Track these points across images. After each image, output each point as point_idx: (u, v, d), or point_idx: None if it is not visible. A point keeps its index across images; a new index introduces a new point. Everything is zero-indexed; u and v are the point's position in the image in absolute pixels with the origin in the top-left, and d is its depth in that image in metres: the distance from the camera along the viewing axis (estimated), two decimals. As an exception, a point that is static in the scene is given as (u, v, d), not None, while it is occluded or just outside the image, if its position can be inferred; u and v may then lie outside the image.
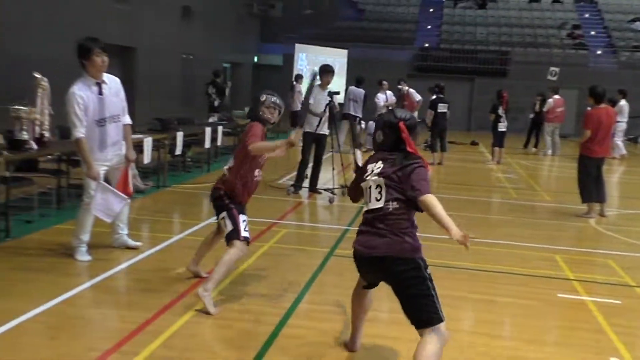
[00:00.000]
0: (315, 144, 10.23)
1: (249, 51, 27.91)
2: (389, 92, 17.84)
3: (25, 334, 4.31)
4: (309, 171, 10.34)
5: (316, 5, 29.94)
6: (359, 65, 23.38)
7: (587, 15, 31.82)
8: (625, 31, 29.71)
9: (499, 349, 4.50)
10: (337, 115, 7.11)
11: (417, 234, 3.75)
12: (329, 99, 9.99)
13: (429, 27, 30.97)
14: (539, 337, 4.77)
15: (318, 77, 9.86)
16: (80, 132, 5.69)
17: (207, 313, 4.78)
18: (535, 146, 19.89)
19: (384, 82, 17.78)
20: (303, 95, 17.56)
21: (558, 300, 5.63)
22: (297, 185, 10.24)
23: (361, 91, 15.96)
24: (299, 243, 7.25)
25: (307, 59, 21.98)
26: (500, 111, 15.71)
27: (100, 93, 5.81)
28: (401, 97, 18.19)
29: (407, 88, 18.15)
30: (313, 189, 10.35)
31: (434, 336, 3.54)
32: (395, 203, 3.69)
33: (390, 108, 17.95)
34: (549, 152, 18.86)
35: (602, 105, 9.39)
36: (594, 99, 9.38)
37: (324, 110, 9.95)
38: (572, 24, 30.42)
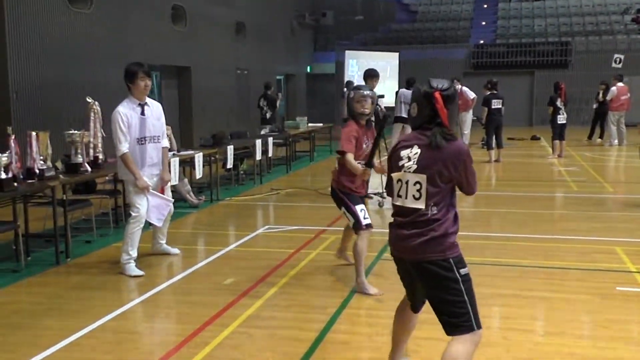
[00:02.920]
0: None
1: (302, 62, 28.10)
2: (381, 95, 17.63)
3: (80, 350, 4.44)
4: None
5: (369, 10, 29.90)
6: (411, 67, 23.18)
7: (652, -2, 30.58)
8: (693, 11, 28.39)
9: (547, 345, 4.35)
10: (386, 119, 7.11)
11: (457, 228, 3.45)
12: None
13: (484, 23, 30.43)
14: (593, 332, 4.60)
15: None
16: (125, 147, 6.07)
17: (369, 294, 5.39)
18: (601, 137, 19.23)
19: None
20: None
21: (616, 294, 5.40)
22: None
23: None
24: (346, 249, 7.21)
25: (357, 65, 21.92)
26: (559, 103, 15.26)
27: (143, 114, 6.19)
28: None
29: (460, 86, 17.84)
30: (366, 194, 10.29)
31: (466, 337, 3.34)
32: (437, 206, 3.38)
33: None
34: (615, 142, 18.19)
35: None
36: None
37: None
38: (637, 7, 29.28)
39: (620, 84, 18.24)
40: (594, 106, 19.61)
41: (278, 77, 25.30)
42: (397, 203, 3.50)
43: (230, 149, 10.47)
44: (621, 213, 8.80)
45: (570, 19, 29.31)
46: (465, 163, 3.40)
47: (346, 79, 21.30)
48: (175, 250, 6.92)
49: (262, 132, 13.50)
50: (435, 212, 3.38)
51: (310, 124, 15.56)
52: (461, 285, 3.35)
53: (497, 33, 29.22)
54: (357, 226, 5.54)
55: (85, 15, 13.60)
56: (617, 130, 18.28)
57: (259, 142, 11.53)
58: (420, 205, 3.38)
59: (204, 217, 9.06)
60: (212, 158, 10.17)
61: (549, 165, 14.25)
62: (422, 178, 3.37)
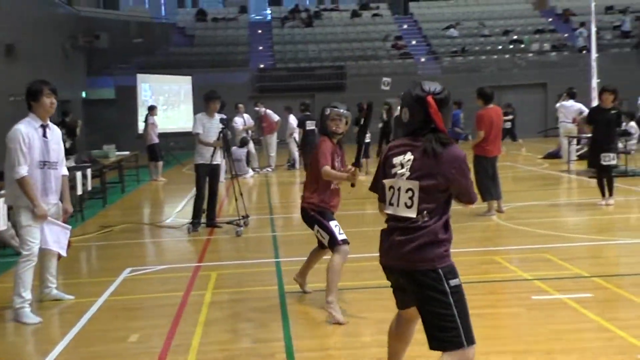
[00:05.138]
0: (209, 175, 9.55)
1: (77, 86, 26.07)
2: (246, 115, 17.52)
3: None
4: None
5: (144, 33, 28.77)
6: (203, 91, 22.67)
7: (405, 26, 33.61)
8: (442, 38, 31.71)
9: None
10: (371, 108, 6.77)
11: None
12: (221, 126, 9.43)
13: (261, 48, 30.99)
14: (545, 346, 4.56)
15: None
16: (24, 169, 5.44)
17: (339, 324, 4.99)
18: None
19: (240, 105, 17.42)
20: (158, 127, 16.64)
21: (537, 303, 5.55)
22: (196, 222, 9.47)
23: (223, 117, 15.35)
24: (239, 285, 6.59)
25: (150, 89, 20.86)
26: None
27: (45, 136, 5.64)
28: (259, 119, 17.89)
29: (264, 109, 17.87)
30: (212, 223, 9.65)
31: (456, 353, 3.17)
32: (429, 214, 3.24)
33: (250, 131, 17.61)
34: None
35: (491, 106, 9.70)
36: (483, 99, 9.66)
37: (218, 138, 9.36)
38: (394, 35, 31.93)
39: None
40: (379, 125, 20.79)
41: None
42: (389, 212, 3.38)
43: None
44: (464, 224, 9.18)
45: (340, 44, 31.03)
46: (461, 169, 3.29)
47: (140, 103, 20.18)
48: (70, 297, 6.08)
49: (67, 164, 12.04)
50: (426, 220, 3.25)
51: (117, 153, 14.32)
52: (450, 297, 3.21)
53: (277, 58, 29.90)
54: (333, 242, 5.31)
55: None
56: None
57: (79, 174, 10.24)
58: (412, 214, 3.27)
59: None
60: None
61: (363, 183, 14.69)
62: (415, 185, 3.26)
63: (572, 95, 16.02)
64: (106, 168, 12.89)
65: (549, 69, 28.37)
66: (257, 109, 17.97)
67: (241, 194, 9.52)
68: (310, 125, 14.92)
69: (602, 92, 10.44)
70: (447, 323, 3.18)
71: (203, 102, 9.79)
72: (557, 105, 17.01)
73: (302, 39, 31.52)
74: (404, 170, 3.31)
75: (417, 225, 3.25)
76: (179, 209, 11.50)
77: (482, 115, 9.59)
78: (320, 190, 5.44)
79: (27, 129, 5.52)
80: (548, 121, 26.73)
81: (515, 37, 31.11)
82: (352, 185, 5.20)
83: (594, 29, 15.47)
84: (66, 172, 5.99)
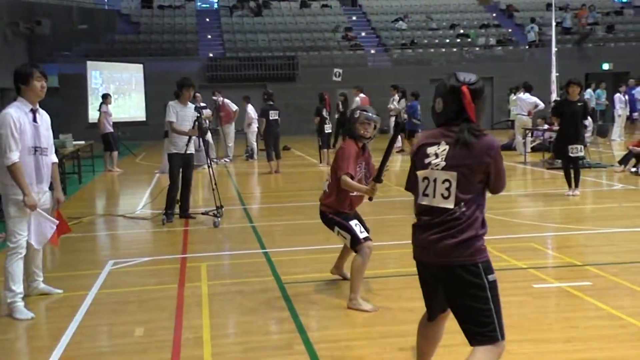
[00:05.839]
0: (183, 165, 9.29)
1: (19, 74, 25.01)
2: (203, 105, 17.15)
3: None
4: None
5: (88, 20, 27.81)
6: (154, 80, 22.17)
7: (354, 18, 33.64)
8: (391, 30, 31.89)
9: (550, 354, 4.29)
10: (402, 125, 6.73)
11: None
12: (197, 114, 9.18)
13: (210, 36, 30.47)
14: (562, 334, 4.60)
15: None
16: (15, 155, 5.15)
17: (366, 311, 5.04)
18: (343, 145, 20.43)
19: (198, 95, 16.99)
20: (112, 116, 16.14)
21: (541, 292, 5.60)
22: (170, 212, 9.20)
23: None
24: (233, 276, 6.42)
25: (101, 77, 20.19)
26: (325, 113, 15.83)
27: (35, 120, 5.37)
28: (217, 108, 17.57)
29: (222, 99, 17.56)
30: (186, 214, 9.39)
31: (490, 348, 3.17)
32: (466, 205, 3.18)
33: (208, 121, 17.26)
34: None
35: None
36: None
37: (193, 127, 9.10)
38: (344, 26, 31.93)
39: (362, 95, 19.61)
40: (336, 116, 20.78)
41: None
42: (424, 202, 3.30)
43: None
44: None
45: (290, 35, 30.80)
46: (495, 159, 3.25)
47: (90, 91, 19.51)
48: (58, 290, 5.82)
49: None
50: (464, 211, 3.20)
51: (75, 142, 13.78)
52: (488, 292, 3.21)
53: (226, 47, 29.44)
54: (355, 242, 5.23)
55: None
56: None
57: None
58: (450, 204, 3.21)
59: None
60: None
61: (325, 174, 14.65)
62: (452, 176, 3.20)
63: (528, 89, 16.34)
64: (64, 158, 12.39)
65: (495, 62, 28.93)
66: (214, 98, 17.64)
67: (216, 184, 9.30)
68: (274, 115, 14.72)
69: (568, 84, 10.66)
70: (485, 318, 3.16)
71: (176, 89, 9.43)
72: (513, 97, 17.34)
73: (251, 28, 31.12)
74: (438, 160, 3.24)
75: (455, 218, 3.19)
76: (144, 200, 11.16)
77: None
78: (340, 196, 5.32)
79: (17, 113, 5.24)
80: (495, 114, 27.31)
81: (461, 31, 31.60)
82: (370, 199, 5.07)
83: (554, 24, 15.83)
84: (56, 160, 5.72)
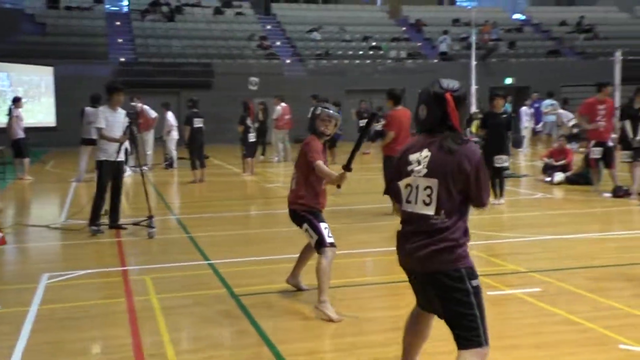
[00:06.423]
0: (112, 173, 8.89)
1: None
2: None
3: None
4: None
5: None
6: (64, 83, 21.25)
7: (269, 27, 33.59)
8: (306, 41, 32.07)
9: None
10: (375, 116, 6.59)
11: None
12: (128, 120, 8.83)
13: (120, 40, 29.56)
14: (528, 340, 4.69)
15: None
16: None
17: (331, 321, 4.92)
18: (263, 154, 20.27)
19: (138, 101, 16.46)
20: (23, 121, 15.34)
21: (495, 299, 5.68)
22: (98, 223, 8.77)
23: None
24: (183, 289, 6.15)
25: (9, 79, 19.11)
26: (249, 122, 15.67)
27: None
28: (136, 115, 16.96)
29: (141, 105, 17.00)
30: (116, 224, 8.99)
31: (475, 351, 3.24)
32: (447, 214, 3.22)
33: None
34: (276, 159, 19.39)
35: (400, 107, 9.88)
36: (393, 101, 9.82)
37: (125, 133, 8.75)
38: (259, 35, 31.80)
39: (283, 104, 19.53)
40: (255, 125, 20.58)
41: None
42: (407, 209, 3.36)
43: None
44: (383, 222, 9.28)
45: (204, 41, 30.34)
46: (476, 168, 3.29)
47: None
48: None
49: None
50: (445, 219, 3.26)
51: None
52: (472, 297, 3.28)
53: (138, 51, 28.66)
54: (321, 244, 5.22)
55: None
56: (283, 147, 19.53)
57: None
58: (430, 211, 3.27)
59: None
60: None
61: (250, 183, 14.48)
62: (433, 183, 3.27)
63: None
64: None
65: (407, 75, 29.61)
66: (133, 104, 17.03)
67: (146, 192, 8.98)
68: (198, 122, 14.35)
69: (493, 97, 11.06)
70: (470, 322, 3.23)
71: (105, 93, 9.03)
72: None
73: (164, 33, 30.44)
74: (420, 167, 3.29)
75: (436, 227, 3.23)
76: (66, 210, 10.62)
77: (392, 116, 9.74)
78: (309, 191, 5.34)
79: None
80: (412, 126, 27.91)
81: (374, 43, 32.18)
82: (338, 186, 5.18)
83: (474, 38, 16.37)
84: None
